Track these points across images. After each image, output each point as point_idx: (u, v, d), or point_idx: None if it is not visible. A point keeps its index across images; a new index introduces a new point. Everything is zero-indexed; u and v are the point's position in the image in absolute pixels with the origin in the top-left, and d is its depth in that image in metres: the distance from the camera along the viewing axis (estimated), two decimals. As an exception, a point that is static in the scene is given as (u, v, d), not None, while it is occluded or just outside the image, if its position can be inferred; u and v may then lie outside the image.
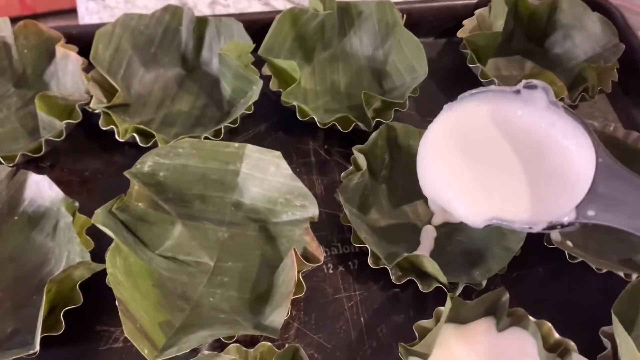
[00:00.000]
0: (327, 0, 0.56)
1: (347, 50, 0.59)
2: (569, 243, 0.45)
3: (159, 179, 0.44)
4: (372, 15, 0.58)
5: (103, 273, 0.37)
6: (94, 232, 0.41)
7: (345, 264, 0.46)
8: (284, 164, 0.44)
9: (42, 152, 0.48)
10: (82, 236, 0.41)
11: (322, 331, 0.42)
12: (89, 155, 0.51)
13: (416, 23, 0.60)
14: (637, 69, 0.58)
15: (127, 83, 0.54)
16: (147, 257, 0.42)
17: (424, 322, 0.40)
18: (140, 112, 0.54)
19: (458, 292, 0.41)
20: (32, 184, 0.44)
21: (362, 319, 0.43)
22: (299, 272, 0.39)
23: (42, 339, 0.36)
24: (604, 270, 0.43)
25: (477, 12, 0.59)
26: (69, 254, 0.41)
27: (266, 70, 0.53)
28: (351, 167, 0.47)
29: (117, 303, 0.35)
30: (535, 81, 0.38)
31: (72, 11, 0.65)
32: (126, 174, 0.42)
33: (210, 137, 0.48)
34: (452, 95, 0.42)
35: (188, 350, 0.36)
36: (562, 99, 0.53)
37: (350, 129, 0.51)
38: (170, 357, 0.35)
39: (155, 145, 0.47)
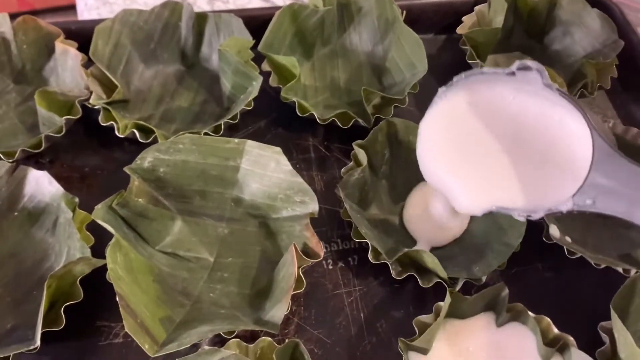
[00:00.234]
0: (327, -4, 0.56)
1: (347, 46, 0.60)
2: (568, 239, 0.45)
3: (159, 175, 0.44)
4: (372, 12, 0.58)
5: (103, 269, 0.37)
6: (94, 228, 0.41)
7: (345, 259, 0.46)
8: (284, 159, 0.44)
9: (41, 148, 0.47)
10: (82, 232, 0.41)
11: (322, 326, 0.42)
12: (89, 151, 0.52)
13: (416, 19, 0.60)
14: (636, 65, 0.58)
15: (127, 79, 0.54)
16: (148, 253, 0.42)
17: (423, 317, 0.40)
18: (140, 108, 0.54)
19: (458, 287, 0.41)
20: (32, 179, 0.44)
21: (362, 315, 0.43)
22: (299, 267, 0.39)
23: (42, 334, 0.36)
24: (603, 266, 0.43)
25: (476, 8, 0.59)
26: (69, 249, 0.41)
27: (266, 67, 0.53)
28: (351, 163, 0.47)
29: (117, 298, 0.36)
30: (529, 62, 0.36)
31: (71, 7, 0.65)
32: (126, 169, 0.42)
33: (210, 133, 0.48)
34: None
35: (188, 346, 0.36)
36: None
37: (350, 125, 0.51)
38: (170, 352, 0.35)
39: (155, 141, 0.47)
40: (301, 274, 0.40)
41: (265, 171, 0.44)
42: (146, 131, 0.49)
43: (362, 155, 0.46)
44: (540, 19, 0.61)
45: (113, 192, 0.42)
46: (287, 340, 0.37)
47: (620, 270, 0.43)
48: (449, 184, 0.40)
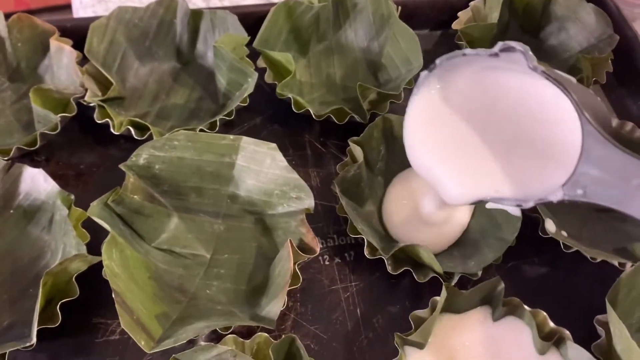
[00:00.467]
0: (322, -8, 0.56)
1: (342, 42, 0.59)
2: (564, 233, 0.45)
3: (155, 172, 0.44)
4: (367, 7, 0.57)
5: (99, 266, 0.37)
6: (90, 226, 0.41)
7: (342, 255, 0.46)
8: (279, 156, 0.44)
9: (37, 146, 0.47)
10: (78, 229, 0.41)
11: (319, 322, 0.42)
12: (85, 149, 0.51)
13: (411, 15, 0.60)
14: (631, 59, 0.58)
15: (122, 76, 0.54)
16: (144, 250, 0.42)
17: (419, 312, 0.40)
18: (136, 105, 0.54)
19: (454, 282, 0.41)
20: (27, 177, 0.44)
21: (358, 310, 0.43)
22: (295, 263, 0.39)
23: (38, 331, 0.36)
24: (599, 260, 0.43)
25: (472, 3, 0.59)
26: (64, 246, 0.41)
27: (261, 63, 0.53)
28: (347, 159, 0.47)
29: (113, 295, 0.36)
30: (512, 43, 0.33)
31: (67, 7, 0.65)
32: (122, 166, 0.42)
33: (205, 129, 0.48)
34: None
35: (185, 342, 0.36)
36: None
37: (345, 121, 0.51)
38: (167, 348, 0.35)
39: (150, 138, 0.47)
40: (297, 270, 0.40)
41: (261, 167, 0.44)
42: (141, 128, 0.49)
43: (358, 152, 0.46)
44: (535, 14, 0.61)
45: (109, 190, 0.42)
46: (283, 336, 0.37)
47: (615, 264, 0.44)
48: (436, 174, 0.40)
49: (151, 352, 0.35)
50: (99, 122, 0.49)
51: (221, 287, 0.43)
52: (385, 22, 0.57)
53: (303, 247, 0.42)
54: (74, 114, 0.49)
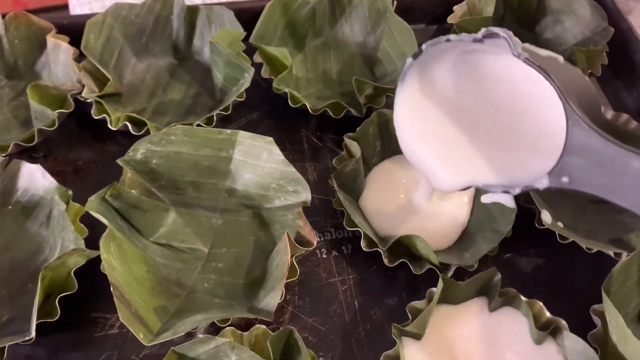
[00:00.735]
0: (318, -13, 0.57)
1: (339, 37, 0.60)
2: (560, 224, 0.45)
3: (152, 167, 0.44)
4: (363, 2, 0.58)
5: (98, 261, 0.38)
6: (88, 222, 0.42)
7: (339, 248, 0.46)
8: (276, 149, 0.44)
9: (34, 142, 0.48)
10: (76, 224, 0.42)
11: (317, 314, 0.43)
12: (82, 145, 0.52)
13: (407, 9, 0.60)
14: (626, 52, 0.58)
15: (119, 73, 0.54)
16: (142, 245, 0.42)
17: (416, 303, 0.40)
18: (133, 101, 0.54)
19: (450, 273, 0.42)
20: (25, 173, 0.44)
21: (355, 302, 0.43)
22: (292, 256, 0.40)
23: (37, 325, 0.36)
24: (594, 250, 0.43)
25: (467, -2, 0.60)
26: (63, 241, 0.42)
27: (257, 58, 0.53)
28: (343, 153, 0.48)
29: (111, 288, 0.36)
30: (495, 29, 0.33)
31: (64, 7, 0.65)
32: (119, 161, 0.42)
33: (202, 125, 0.48)
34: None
35: (183, 334, 0.36)
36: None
37: (342, 115, 0.51)
38: (165, 340, 0.35)
39: (147, 133, 0.47)
40: (294, 262, 0.40)
41: (257, 161, 0.45)
42: (139, 124, 0.49)
43: (355, 147, 0.46)
44: (531, 7, 0.61)
45: (107, 185, 0.42)
46: (281, 328, 0.37)
47: (611, 254, 0.44)
48: (425, 160, 0.40)
49: (150, 344, 0.35)
50: (96, 118, 0.49)
51: (219, 280, 0.43)
52: (381, 17, 0.57)
53: (300, 240, 0.42)
54: (71, 110, 0.49)
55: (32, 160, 0.50)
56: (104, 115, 0.48)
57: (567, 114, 0.32)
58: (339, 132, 0.52)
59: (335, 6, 0.58)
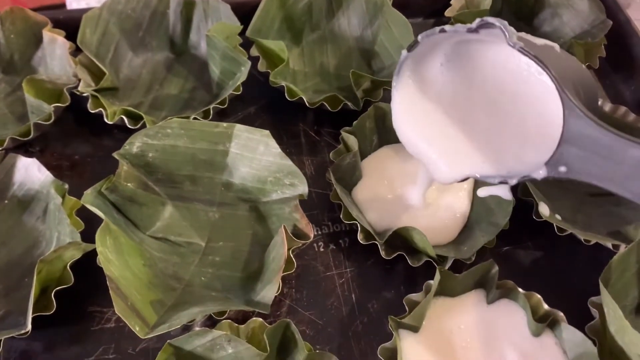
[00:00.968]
0: (315, -19, 0.56)
1: (336, 31, 0.59)
2: (558, 217, 0.45)
3: (148, 160, 0.44)
4: (360, -4, 0.57)
5: (94, 255, 0.37)
6: (84, 216, 0.41)
7: (336, 241, 0.46)
8: (272, 142, 0.44)
9: (31, 136, 0.47)
10: (72, 218, 0.41)
11: (314, 308, 0.43)
12: (78, 139, 0.52)
13: (404, 3, 0.60)
14: (624, 44, 0.58)
15: (116, 67, 0.54)
16: (138, 238, 0.42)
17: (413, 296, 0.40)
18: (129, 95, 0.54)
19: (447, 265, 0.41)
20: (21, 167, 0.44)
21: (353, 295, 0.43)
22: (289, 249, 0.39)
23: (34, 319, 0.36)
24: (592, 242, 0.43)
25: (464, -9, 0.59)
26: (59, 235, 0.41)
27: (254, 52, 0.53)
28: (340, 146, 0.47)
29: (107, 281, 0.35)
30: (490, 19, 0.32)
31: (62, 6, 0.65)
32: (115, 154, 0.42)
33: (199, 118, 0.48)
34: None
35: (179, 327, 0.36)
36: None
37: (339, 109, 0.51)
38: (161, 333, 0.35)
39: (144, 127, 0.47)
40: (291, 255, 0.40)
41: (254, 154, 0.44)
42: (135, 118, 0.49)
43: (352, 141, 0.46)
44: (529, 1, 0.61)
45: (103, 179, 0.42)
46: (278, 321, 0.37)
47: (609, 246, 0.44)
48: (423, 152, 0.40)
49: (146, 337, 0.35)
50: (93, 111, 0.49)
51: (216, 274, 0.43)
52: (379, 10, 0.57)
53: (297, 233, 0.42)
54: (67, 104, 0.49)
55: (29, 154, 0.49)
56: (100, 109, 0.48)
57: (563, 103, 0.32)
58: (336, 126, 0.52)
59: (333, 0, 0.58)
